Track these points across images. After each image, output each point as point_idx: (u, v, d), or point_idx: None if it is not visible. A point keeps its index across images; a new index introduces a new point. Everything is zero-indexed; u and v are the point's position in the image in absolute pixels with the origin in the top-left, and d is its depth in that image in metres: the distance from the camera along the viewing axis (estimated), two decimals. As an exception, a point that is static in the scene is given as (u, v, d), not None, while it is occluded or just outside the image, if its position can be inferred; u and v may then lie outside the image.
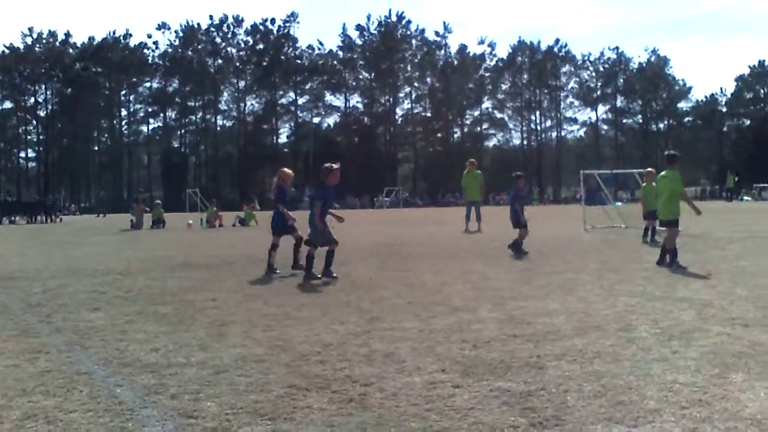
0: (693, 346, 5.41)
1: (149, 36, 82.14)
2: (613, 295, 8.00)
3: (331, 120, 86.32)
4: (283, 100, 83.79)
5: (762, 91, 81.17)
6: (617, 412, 3.92)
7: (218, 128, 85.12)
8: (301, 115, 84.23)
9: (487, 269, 10.71)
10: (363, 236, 19.20)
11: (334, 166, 10.22)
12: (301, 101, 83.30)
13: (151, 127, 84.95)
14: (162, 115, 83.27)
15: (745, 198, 52.52)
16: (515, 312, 6.99)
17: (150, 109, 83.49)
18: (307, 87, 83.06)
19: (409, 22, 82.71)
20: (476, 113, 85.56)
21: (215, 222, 29.01)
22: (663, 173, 11.33)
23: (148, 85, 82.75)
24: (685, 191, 11.23)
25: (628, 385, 4.42)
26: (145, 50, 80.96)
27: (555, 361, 5.03)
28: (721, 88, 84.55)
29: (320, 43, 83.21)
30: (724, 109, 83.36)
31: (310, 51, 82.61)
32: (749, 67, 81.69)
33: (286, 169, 11.80)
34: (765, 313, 6.71)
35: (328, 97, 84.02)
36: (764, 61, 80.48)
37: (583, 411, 3.98)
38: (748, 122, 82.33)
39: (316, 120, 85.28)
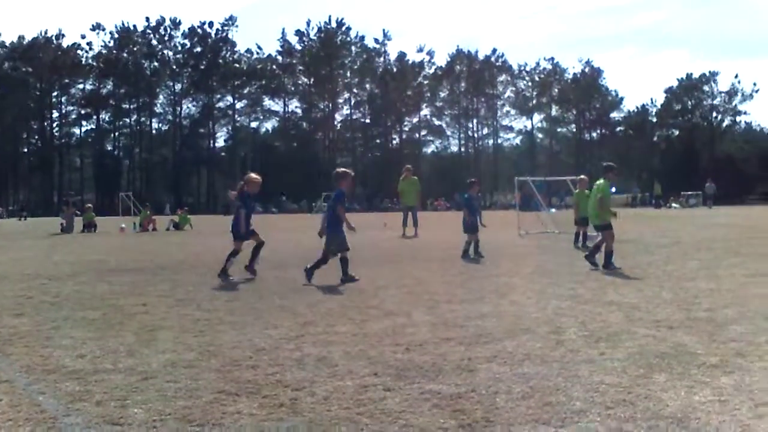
0: (620, 348, 5.54)
1: (83, 36, 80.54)
2: (545, 299, 8.15)
3: (270, 125, 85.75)
4: (221, 104, 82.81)
5: (690, 102, 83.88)
6: (545, 413, 3.98)
7: (153, 131, 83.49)
8: (239, 119, 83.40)
9: (423, 273, 10.79)
10: (299, 241, 19.06)
11: (349, 171, 10.52)
12: (239, 105, 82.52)
13: (83, 129, 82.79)
14: (95, 117, 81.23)
15: (674, 205, 54.18)
16: (449, 315, 7.05)
17: (83, 111, 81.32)
18: (246, 91, 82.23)
19: (348, 28, 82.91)
20: (415, 120, 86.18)
21: (149, 226, 28.44)
22: (597, 181, 11.77)
23: (81, 86, 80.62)
24: (605, 198, 11.56)
25: (556, 387, 4.49)
26: (79, 51, 78.91)
27: (486, 364, 5.08)
28: (651, 99, 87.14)
29: (259, 48, 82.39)
30: (654, 120, 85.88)
31: (248, 55, 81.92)
32: (678, 79, 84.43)
33: (252, 175, 11.41)
34: (689, 315, 6.92)
35: (267, 102, 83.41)
36: (692, 74, 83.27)
37: (511, 412, 4.03)
38: (676, 132, 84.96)
39: (254, 125, 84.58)
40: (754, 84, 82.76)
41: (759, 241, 16.77)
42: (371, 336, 6.09)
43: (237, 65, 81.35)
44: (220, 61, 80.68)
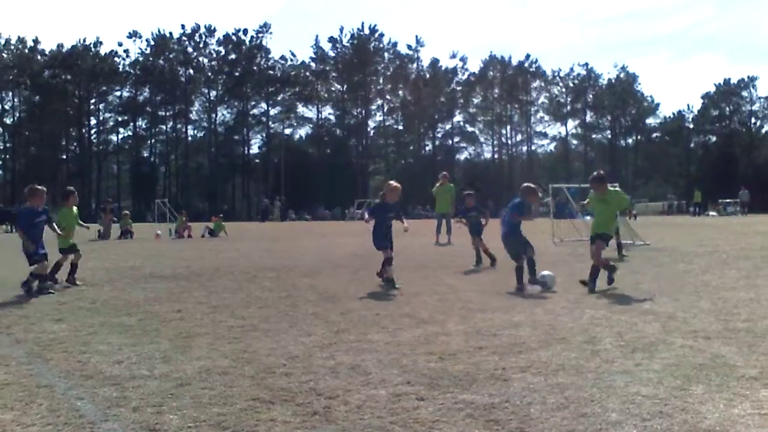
0: (656, 359, 5.46)
1: (120, 44, 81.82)
2: (579, 308, 8.07)
3: (303, 131, 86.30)
4: (255, 111, 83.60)
5: (727, 108, 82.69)
6: (579, 425, 3.94)
7: (189, 138, 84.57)
8: (272, 126, 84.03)
9: (456, 282, 10.75)
10: (334, 248, 19.17)
11: (393, 183, 10.68)
12: (273, 112, 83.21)
13: (120, 136, 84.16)
14: (132, 124, 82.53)
15: (711, 213, 53.34)
16: (482, 324, 7.01)
17: (120, 118, 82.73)
18: (279, 98, 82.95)
19: (381, 35, 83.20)
20: (448, 126, 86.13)
21: (184, 232, 28.77)
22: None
23: (118, 93, 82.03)
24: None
25: (591, 398, 4.45)
26: (116, 58, 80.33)
27: (519, 374, 5.05)
28: (688, 105, 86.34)
29: (293, 55, 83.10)
30: (691, 126, 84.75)
31: (282, 62, 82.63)
32: (715, 84, 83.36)
33: (392, 183, 11.01)
34: (726, 325, 6.80)
35: (300, 109, 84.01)
36: (730, 79, 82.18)
37: (546, 423, 4.00)
38: (714, 139, 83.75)
39: (288, 131, 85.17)
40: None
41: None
42: (404, 344, 6.09)
43: (271, 72, 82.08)
44: (255, 68, 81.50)
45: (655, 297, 8.80)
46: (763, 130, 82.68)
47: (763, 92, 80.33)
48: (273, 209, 60.87)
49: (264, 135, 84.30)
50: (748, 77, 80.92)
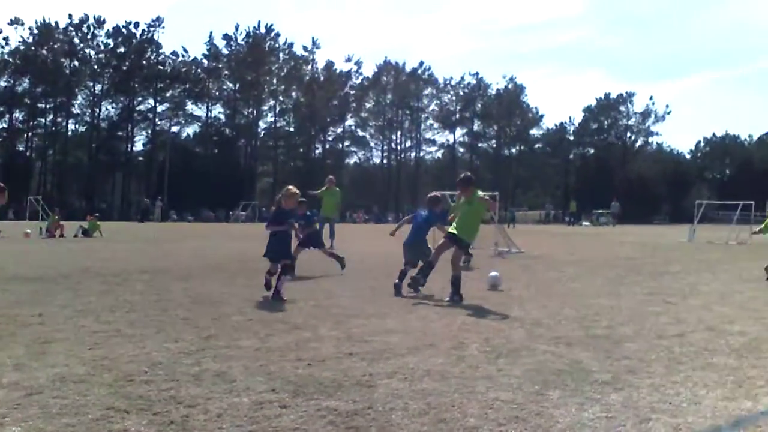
0: (518, 364, 5.65)
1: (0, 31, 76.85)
2: (452, 314, 8.25)
3: (191, 130, 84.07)
4: (141, 107, 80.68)
5: (606, 122, 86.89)
6: (438, 430, 4.02)
7: (69, 133, 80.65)
8: (159, 123, 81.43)
9: (334, 287, 10.75)
10: (214, 250, 18.78)
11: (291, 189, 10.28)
12: (160, 109, 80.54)
13: (-6, 127, 79.19)
14: (8, 116, 77.89)
15: (584, 223, 55.92)
16: (355, 330, 7.03)
17: (-5, 109, 77.88)
18: (168, 94, 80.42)
19: (277, 35, 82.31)
20: (339, 130, 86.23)
21: (55, 232, 27.38)
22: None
23: (-6, 83, 77.16)
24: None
25: (452, 403, 4.54)
26: (-7, 46, 75.56)
27: (386, 380, 5.09)
28: (570, 118, 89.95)
29: (185, 51, 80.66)
30: (572, 138, 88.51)
31: (173, 57, 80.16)
32: (596, 98, 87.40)
33: (290, 188, 10.42)
34: (588, 332, 7.13)
35: (190, 107, 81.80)
36: (610, 93, 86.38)
37: (405, 429, 4.04)
38: (592, 151, 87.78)
39: (174, 129, 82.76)
40: (667, 106, 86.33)
41: (659, 260, 17.48)
42: (274, 351, 6.02)
43: (161, 67, 79.48)
44: (144, 62, 78.68)
45: (524, 304, 9.13)
46: (637, 145, 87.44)
47: (639, 108, 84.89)
48: (154, 209, 59.02)
49: (149, 132, 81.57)
50: (626, 93, 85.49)
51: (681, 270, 14.68)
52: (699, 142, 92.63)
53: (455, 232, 9.88)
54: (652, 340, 6.77)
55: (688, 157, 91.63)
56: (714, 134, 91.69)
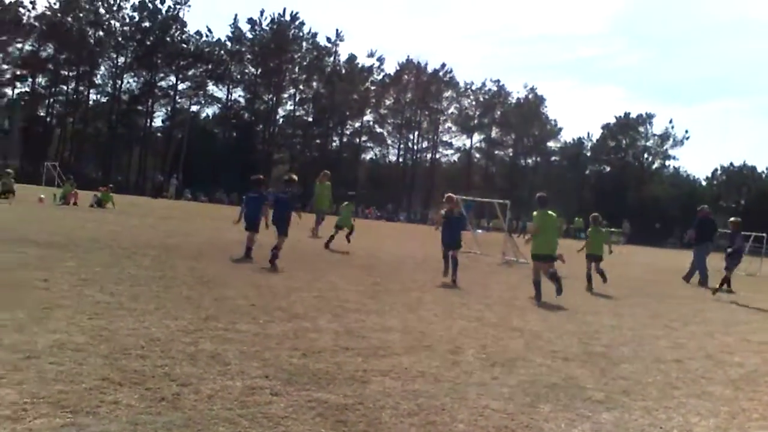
0: (513, 374, 5.65)
1: (27, -6, 77.07)
2: (452, 318, 8.25)
3: (211, 111, 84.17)
4: (163, 83, 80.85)
5: (624, 141, 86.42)
6: (426, 432, 4.03)
7: (91, 102, 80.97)
8: (179, 101, 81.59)
9: (338, 280, 10.76)
10: (224, 232, 18.81)
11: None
12: (181, 87, 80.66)
13: (17, 91, 79.59)
14: (31, 80, 78.27)
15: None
16: (354, 325, 7.05)
17: (18, 72, 78.23)
18: (190, 73, 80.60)
19: (302, 23, 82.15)
20: (357, 125, 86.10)
21: (70, 200, 27.53)
22: (548, 211, 11.92)
23: (19, 46, 77.55)
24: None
25: (442, 406, 4.55)
26: (21, 9, 75.93)
27: (379, 377, 5.11)
28: (588, 133, 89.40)
29: (209, 31, 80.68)
30: (589, 154, 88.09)
31: (197, 37, 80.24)
32: (615, 116, 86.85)
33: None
34: (586, 348, 7.12)
35: (210, 87, 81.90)
36: (629, 113, 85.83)
37: (394, 428, 4.06)
38: (608, 169, 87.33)
39: (194, 108, 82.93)
40: (686, 131, 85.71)
41: (666, 284, 17.39)
42: (271, 338, 6.04)
43: (184, 45, 79.62)
44: (168, 39, 78.86)
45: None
46: (654, 167, 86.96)
47: (658, 130, 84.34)
48: (169, 186, 59.17)
49: (169, 109, 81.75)
50: (646, 114, 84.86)
51: (687, 296, 14.61)
52: (716, 169, 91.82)
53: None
54: (650, 363, 6.75)
55: (704, 183, 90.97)
56: (732, 163, 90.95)
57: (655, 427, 4.62)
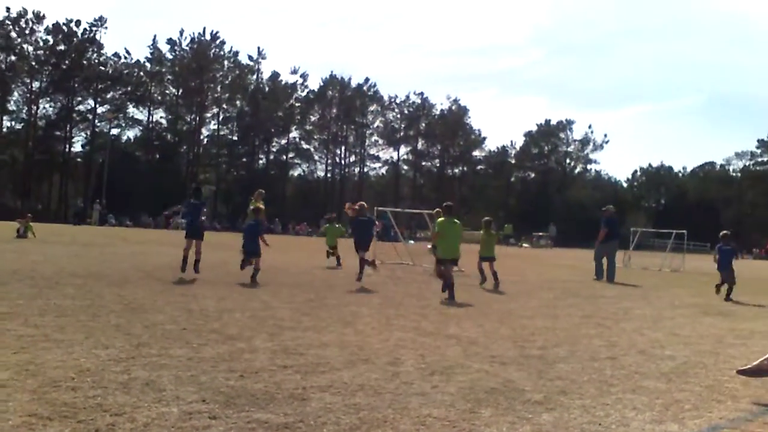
0: (452, 382, 5.67)
1: (-69, 18, 73.92)
2: (389, 329, 8.25)
3: (132, 133, 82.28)
4: (81, 107, 78.65)
5: (546, 147, 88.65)
6: (369, 446, 4.00)
7: (4, 130, 78.03)
8: (99, 125, 79.51)
9: (271, 298, 10.63)
10: (150, 256, 18.38)
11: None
12: (100, 110, 78.65)
13: None
14: (-62, 107, 75.03)
15: (524, 245, 56.93)
16: (290, 342, 6.96)
17: (-77, 102, 74.91)
18: (109, 96, 78.64)
19: (223, 42, 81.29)
20: (283, 141, 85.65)
21: (-13, 231, 26.42)
22: (454, 219, 12.67)
23: (-76, 75, 74.23)
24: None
25: (384, 419, 4.52)
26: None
27: (319, 393, 5.05)
28: (511, 141, 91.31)
29: (127, 52, 79.06)
30: (513, 161, 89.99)
31: (115, 59, 78.48)
32: (537, 124, 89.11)
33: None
34: (522, 352, 7.21)
35: (131, 110, 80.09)
36: (550, 120, 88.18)
37: (336, 444, 4.01)
38: (532, 175, 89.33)
39: (115, 132, 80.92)
40: (605, 135, 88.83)
41: (595, 284, 17.84)
42: (206, 361, 5.91)
43: (102, 68, 77.71)
44: (85, 62, 76.81)
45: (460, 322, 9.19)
46: (576, 171, 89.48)
47: (578, 135, 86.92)
48: (92, 212, 57.50)
49: (88, 133, 79.53)
50: (566, 120, 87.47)
51: (615, 295, 15.01)
52: (635, 171, 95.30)
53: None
54: (585, 361, 6.88)
55: (624, 185, 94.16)
56: (650, 164, 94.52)
57: (594, 424, 4.70)
